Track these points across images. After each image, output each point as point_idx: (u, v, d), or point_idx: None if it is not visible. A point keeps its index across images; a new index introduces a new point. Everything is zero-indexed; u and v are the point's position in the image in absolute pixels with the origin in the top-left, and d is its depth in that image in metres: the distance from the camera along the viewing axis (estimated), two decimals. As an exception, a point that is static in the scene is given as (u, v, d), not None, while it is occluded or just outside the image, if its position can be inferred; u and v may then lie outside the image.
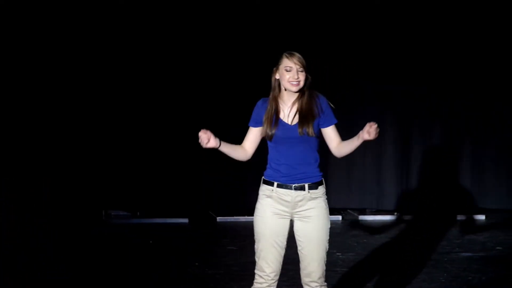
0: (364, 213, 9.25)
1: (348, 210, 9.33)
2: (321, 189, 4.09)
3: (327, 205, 4.11)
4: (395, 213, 9.18)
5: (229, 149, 4.16)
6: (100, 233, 8.32)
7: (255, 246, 4.14)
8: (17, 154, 8.75)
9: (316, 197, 4.06)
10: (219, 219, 8.96)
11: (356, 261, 6.80)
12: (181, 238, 8.09)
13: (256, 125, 4.16)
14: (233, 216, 8.96)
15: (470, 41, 9.20)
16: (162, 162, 9.09)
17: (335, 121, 4.12)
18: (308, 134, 4.03)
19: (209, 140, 4.05)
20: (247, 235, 7.91)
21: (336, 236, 7.97)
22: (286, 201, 4.05)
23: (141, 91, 9.07)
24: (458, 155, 9.39)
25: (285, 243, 4.12)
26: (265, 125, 4.08)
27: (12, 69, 8.74)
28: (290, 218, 4.10)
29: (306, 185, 4.04)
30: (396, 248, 7.52)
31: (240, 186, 8.93)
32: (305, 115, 4.04)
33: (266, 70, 8.77)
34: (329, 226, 4.10)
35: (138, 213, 9.04)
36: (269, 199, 4.07)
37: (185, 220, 8.90)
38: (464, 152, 9.39)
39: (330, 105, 4.11)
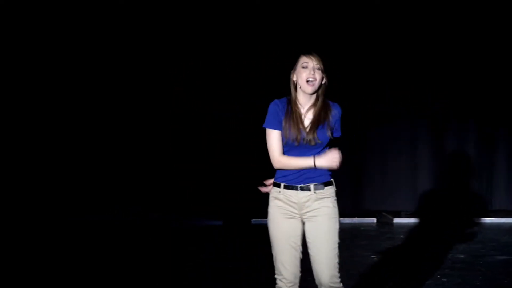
0: (399, 215, 9.23)
1: (383, 213, 9.31)
2: (329, 190, 4.01)
3: (336, 206, 4.01)
4: (430, 216, 9.14)
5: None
6: (136, 235, 8.40)
7: (272, 251, 4.08)
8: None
9: (323, 198, 3.98)
10: (253, 221, 8.99)
11: (390, 263, 6.79)
12: (215, 239, 8.14)
13: (279, 127, 3.98)
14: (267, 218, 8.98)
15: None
16: (199, 165, 9.14)
17: (339, 135, 4.05)
18: (320, 141, 3.95)
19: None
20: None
21: (370, 238, 7.97)
22: (293, 202, 4.00)
23: (172, 98, 9.12)
24: (494, 157, 9.31)
25: (299, 244, 4.03)
26: (292, 130, 3.94)
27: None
28: (300, 219, 4.02)
29: (312, 186, 3.97)
30: (431, 251, 7.49)
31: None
32: (321, 123, 3.97)
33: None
34: (337, 227, 3.99)
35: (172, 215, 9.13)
36: (277, 201, 4.03)
37: (220, 223, 8.96)
38: (500, 155, 9.31)
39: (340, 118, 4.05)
